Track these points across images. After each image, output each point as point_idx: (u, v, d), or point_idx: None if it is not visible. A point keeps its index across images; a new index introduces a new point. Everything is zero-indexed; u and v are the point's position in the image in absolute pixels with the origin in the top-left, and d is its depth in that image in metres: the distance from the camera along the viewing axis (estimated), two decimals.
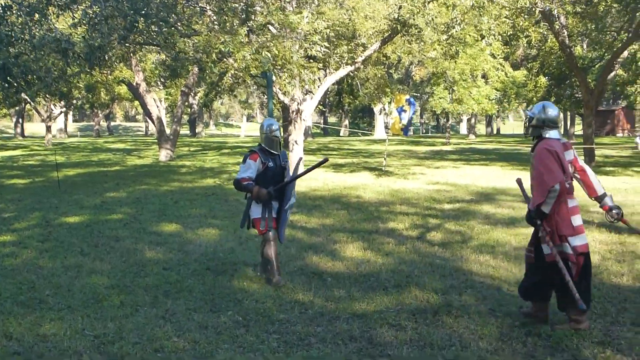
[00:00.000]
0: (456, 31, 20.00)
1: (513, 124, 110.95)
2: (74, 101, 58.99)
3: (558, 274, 6.34)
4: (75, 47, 17.68)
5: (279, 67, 18.65)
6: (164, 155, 30.60)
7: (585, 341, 6.06)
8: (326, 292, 7.76)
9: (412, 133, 66.25)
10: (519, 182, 7.28)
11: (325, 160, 8.58)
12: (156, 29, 19.43)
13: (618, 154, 30.17)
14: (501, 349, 5.92)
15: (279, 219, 8.35)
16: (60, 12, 18.32)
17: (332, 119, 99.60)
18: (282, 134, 8.56)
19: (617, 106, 64.81)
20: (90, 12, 17.89)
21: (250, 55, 17.64)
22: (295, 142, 21.55)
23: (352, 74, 27.28)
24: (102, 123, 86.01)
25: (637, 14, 25.35)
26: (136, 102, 62.92)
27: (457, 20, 19.39)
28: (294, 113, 21.53)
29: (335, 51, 21.01)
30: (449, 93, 45.54)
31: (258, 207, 8.20)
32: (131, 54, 25.06)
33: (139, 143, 50.87)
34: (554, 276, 6.42)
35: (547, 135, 6.57)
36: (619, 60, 27.93)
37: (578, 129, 58.99)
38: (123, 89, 55.13)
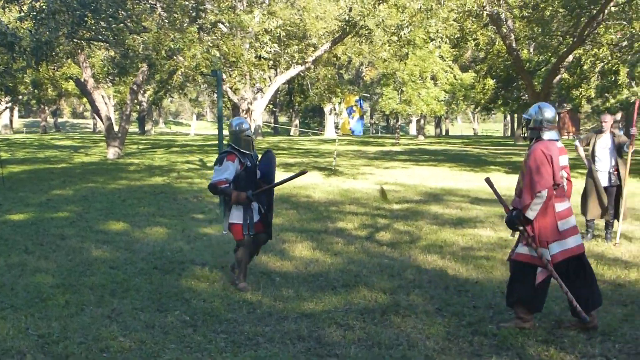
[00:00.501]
0: (405, 33, 20.15)
1: (462, 126, 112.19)
2: (20, 97, 57.92)
3: (526, 275, 6.43)
4: (21, 42, 17.39)
5: (229, 66, 18.57)
6: (112, 153, 30.22)
7: (530, 340, 6.15)
8: (274, 291, 7.75)
9: (360, 134, 66.56)
10: (487, 181, 7.24)
11: (304, 172, 8.29)
12: (105, 25, 19.20)
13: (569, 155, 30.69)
14: (448, 348, 5.99)
15: (265, 220, 8.14)
16: (6, 5, 18.01)
17: (282, 119, 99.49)
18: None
19: (563, 109, 65.91)
20: (37, 6, 17.61)
21: (200, 53, 17.53)
22: None
23: (302, 74, 27.33)
24: (49, 119, 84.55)
25: (582, 19, 25.86)
26: (84, 99, 62.15)
27: (406, 23, 19.53)
28: (244, 112, 21.46)
29: (286, 51, 21.01)
30: (399, 94, 45.84)
31: (239, 212, 7.87)
32: (79, 50, 24.69)
33: (87, 140, 50.14)
34: (519, 276, 6.52)
35: (545, 137, 6.56)
36: (564, 64, 28.45)
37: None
38: (70, 85, 54.31)
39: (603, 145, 11.23)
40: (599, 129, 11.55)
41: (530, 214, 6.32)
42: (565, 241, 6.44)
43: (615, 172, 11.14)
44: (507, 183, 20.76)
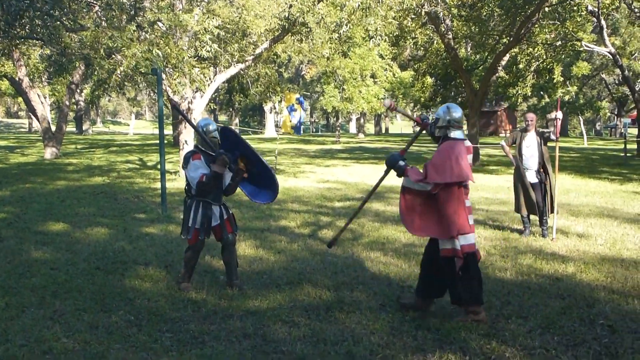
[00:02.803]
0: (344, 31, 20.24)
1: (401, 124, 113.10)
2: None
3: (451, 268, 6.59)
4: None
5: (171, 67, 18.40)
6: (49, 153, 29.72)
7: (472, 334, 6.28)
8: (219, 290, 7.75)
9: (302, 132, 66.70)
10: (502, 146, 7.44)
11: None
12: (40, 23, 18.85)
13: (501, 154, 31.25)
14: (392, 343, 6.07)
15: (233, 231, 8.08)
16: None
17: (222, 117, 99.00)
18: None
19: (500, 107, 67.04)
20: None
21: (140, 52, 17.33)
22: (186, 141, 21.31)
23: (242, 72, 27.18)
24: None
25: (518, 18, 26.33)
26: (19, 98, 60.86)
27: (345, 21, 19.61)
28: (185, 111, 21.31)
29: (226, 49, 20.91)
30: (339, 92, 46.03)
31: (199, 216, 7.74)
32: (13, 48, 24.20)
33: (23, 140, 49.16)
34: (446, 271, 6.66)
35: (452, 135, 6.80)
36: (501, 62, 28.94)
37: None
38: (4, 84, 53.18)
39: (528, 143, 11.47)
40: (524, 128, 11.79)
41: (406, 181, 6.72)
42: (472, 235, 6.71)
43: (542, 170, 11.39)
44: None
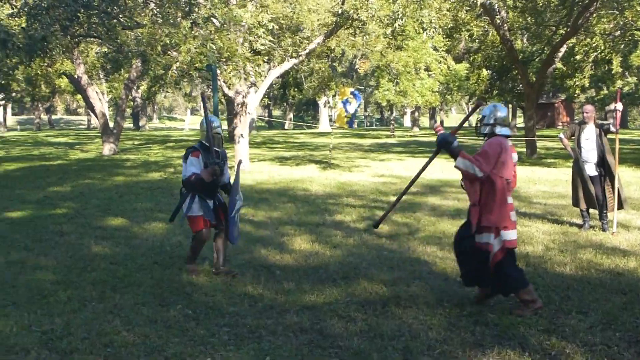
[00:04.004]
0: (399, 25, 20.13)
1: (456, 117, 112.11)
2: (13, 94, 57.76)
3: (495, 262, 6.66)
4: (14, 38, 17.35)
5: (224, 60, 18.54)
6: (107, 149, 30.17)
7: (532, 329, 6.19)
8: (275, 284, 7.78)
9: (356, 125, 66.57)
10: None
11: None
12: (98, 21, 19.15)
13: (558, 146, 30.74)
14: (450, 339, 6.02)
15: (225, 221, 8.37)
16: None
17: (276, 112, 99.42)
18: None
19: (557, 99, 65.95)
20: (31, 2, 17.56)
21: (195, 48, 17.50)
22: (241, 135, 21.47)
23: (296, 67, 27.25)
24: (43, 116, 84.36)
25: (575, 8, 25.85)
26: (78, 96, 61.95)
27: (399, 14, 19.50)
28: (239, 106, 21.45)
29: (280, 44, 20.98)
30: (394, 85, 45.79)
31: (196, 204, 8.14)
32: (73, 46, 24.64)
33: (82, 137, 50.03)
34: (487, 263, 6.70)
35: (498, 132, 6.91)
36: (558, 54, 28.46)
37: (519, 121, 59.96)
38: (64, 82, 54.17)
39: (587, 135, 11.26)
40: (582, 120, 11.57)
41: (459, 162, 6.70)
42: (514, 231, 6.74)
43: (602, 163, 11.16)
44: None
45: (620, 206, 11.10)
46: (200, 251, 8.46)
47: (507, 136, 6.90)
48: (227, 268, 8.31)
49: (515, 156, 6.96)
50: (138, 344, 5.92)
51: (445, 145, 6.87)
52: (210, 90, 28.30)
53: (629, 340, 5.95)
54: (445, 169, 22.22)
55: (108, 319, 6.56)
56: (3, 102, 56.59)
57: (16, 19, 18.93)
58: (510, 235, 6.66)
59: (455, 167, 6.76)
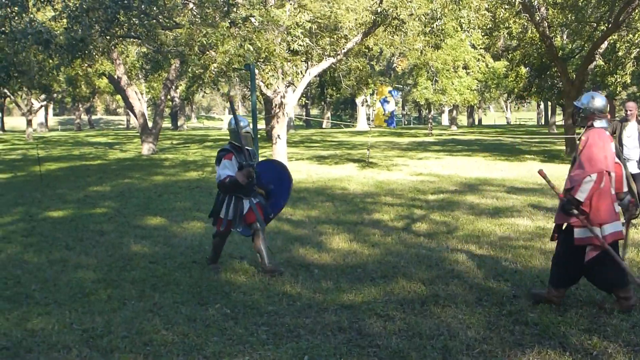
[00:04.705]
0: (438, 24, 20.05)
1: (494, 115, 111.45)
2: (55, 94, 58.58)
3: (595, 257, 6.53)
4: (56, 40, 17.61)
5: (262, 60, 18.61)
6: (146, 148, 30.47)
7: (572, 329, 6.12)
8: (313, 283, 7.78)
9: (395, 125, 66.37)
10: (541, 173, 7.30)
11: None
12: (137, 22, 19.35)
13: None
14: (489, 338, 5.97)
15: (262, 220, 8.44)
16: (40, 5, 18.23)
17: (314, 111, 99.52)
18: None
19: None
20: (71, 4, 17.79)
21: (233, 48, 17.59)
22: (278, 136, 21.53)
23: (334, 66, 27.24)
24: (83, 116, 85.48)
25: (616, 4, 25.49)
26: (117, 96, 62.67)
27: (437, 13, 19.40)
28: (277, 106, 21.50)
29: (318, 43, 20.99)
30: (432, 83, 45.59)
31: (231, 208, 8.23)
32: (113, 47, 24.92)
33: (121, 136, 50.61)
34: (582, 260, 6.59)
35: (596, 125, 6.72)
36: (598, 50, 28.06)
37: (559, 119, 59.33)
38: (104, 82, 54.83)
39: (629, 133, 11.13)
40: (624, 117, 11.42)
41: (580, 195, 6.40)
42: (617, 223, 6.58)
43: None
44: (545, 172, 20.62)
45: None
46: (222, 249, 8.67)
47: (604, 128, 6.72)
48: (271, 266, 8.27)
49: (613, 146, 6.73)
50: (177, 342, 5.96)
51: (567, 208, 6.57)
52: (248, 90, 28.43)
53: None
54: (483, 167, 22.07)
55: (147, 318, 6.62)
56: (45, 102, 57.34)
57: (58, 21, 19.22)
58: (615, 226, 6.54)
59: (581, 201, 6.46)
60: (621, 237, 6.68)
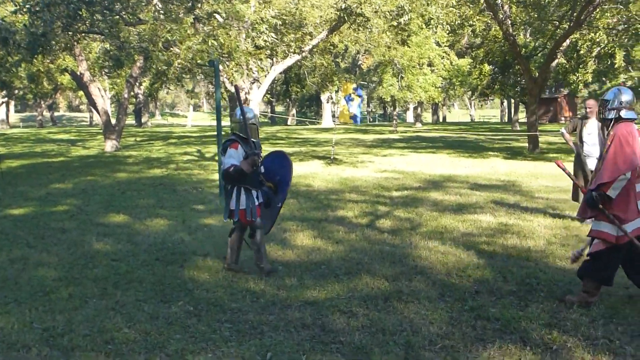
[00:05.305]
0: (405, 20, 20.13)
1: (459, 112, 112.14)
2: (16, 91, 57.82)
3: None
4: (15, 36, 17.37)
5: (226, 56, 18.52)
6: (109, 145, 30.20)
7: (533, 324, 6.18)
8: (277, 280, 7.77)
9: (360, 122, 66.48)
10: (560, 165, 7.37)
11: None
12: (100, 17, 19.14)
13: (561, 141, 30.71)
14: (451, 333, 6.01)
15: (267, 212, 8.35)
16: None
17: (279, 108, 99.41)
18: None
19: (560, 94, 65.85)
20: None
21: (196, 45, 17.49)
22: None
23: (299, 63, 27.24)
24: (45, 113, 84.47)
25: (578, 3, 25.79)
26: (80, 92, 61.98)
27: (405, 10, 19.48)
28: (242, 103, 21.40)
29: (283, 40, 20.96)
30: (398, 80, 45.73)
31: (242, 198, 8.02)
32: (75, 43, 24.62)
33: (84, 133, 50.08)
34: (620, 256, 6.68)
35: (625, 116, 6.75)
36: (561, 48, 28.38)
37: (522, 116, 59.89)
38: (66, 79, 54.24)
39: (589, 130, 11.29)
40: (584, 115, 11.58)
41: (612, 192, 6.49)
42: (638, 220, 6.61)
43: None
44: (506, 168, 20.82)
45: None
46: (240, 248, 8.34)
47: (632, 119, 6.75)
48: (268, 266, 8.20)
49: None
50: (139, 340, 5.91)
51: (593, 205, 6.63)
52: (213, 86, 28.29)
53: (631, 334, 5.93)
54: (447, 164, 22.21)
55: (109, 316, 6.56)
56: (5, 99, 56.60)
57: (19, 16, 18.94)
58: (636, 223, 6.57)
59: (612, 198, 6.53)
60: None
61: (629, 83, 47.91)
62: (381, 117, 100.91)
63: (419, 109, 65.54)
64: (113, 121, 31.94)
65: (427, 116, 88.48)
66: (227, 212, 8.16)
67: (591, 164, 11.14)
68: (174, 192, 15.71)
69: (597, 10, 26.63)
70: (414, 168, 21.12)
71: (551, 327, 6.12)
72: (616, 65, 34.76)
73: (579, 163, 11.26)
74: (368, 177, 18.52)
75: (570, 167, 11.68)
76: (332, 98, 61.82)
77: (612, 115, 6.80)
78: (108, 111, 32.56)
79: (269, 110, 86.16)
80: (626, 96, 6.76)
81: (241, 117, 8.04)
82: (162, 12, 19.79)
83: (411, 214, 12.37)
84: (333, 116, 65.62)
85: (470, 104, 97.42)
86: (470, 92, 55.14)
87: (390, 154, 27.41)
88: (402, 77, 44.95)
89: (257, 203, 8.14)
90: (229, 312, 6.67)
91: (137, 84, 50.25)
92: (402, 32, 22.37)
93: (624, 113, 6.73)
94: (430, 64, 45.33)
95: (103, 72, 37.35)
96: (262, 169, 8.20)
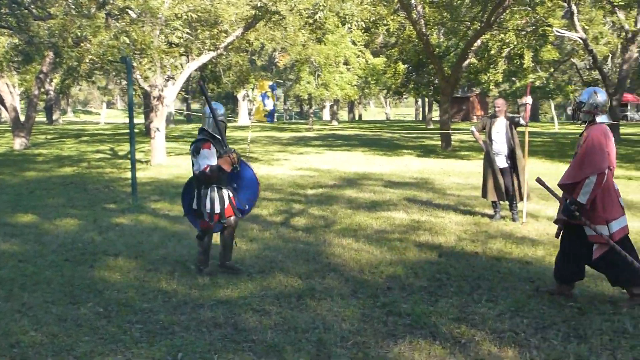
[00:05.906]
0: (320, 17, 20.20)
1: (374, 110, 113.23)
2: None
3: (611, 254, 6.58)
4: None
5: (139, 53, 18.25)
6: (18, 143, 29.40)
7: (442, 318, 6.29)
8: (190, 280, 7.70)
9: (275, 120, 66.41)
10: (539, 181, 7.40)
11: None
12: (8, 11, 18.62)
13: (472, 139, 31.40)
14: (363, 329, 6.06)
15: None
16: None
17: (195, 106, 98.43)
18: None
19: (472, 93, 67.27)
20: None
21: (107, 40, 17.17)
22: (157, 129, 21.18)
23: (214, 61, 27.04)
24: None
25: (489, 4, 26.39)
26: None
27: (320, 7, 19.55)
28: (155, 99, 21.15)
29: (197, 36, 20.77)
30: (315, 78, 45.93)
31: (215, 202, 7.77)
32: None
33: None
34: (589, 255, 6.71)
35: (598, 120, 6.78)
36: (472, 49, 28.99)
37: (435, 115, 60.91)
38: None
39: (498, 129, 11.54)
40: (493, 114, 11.85)
41: (582, 198, 6.53)
42: (623, 218, 6.70)
43: (512, 155, 11.46)
44: (419, 166, 21.14)
45: (520, 197, 11.41)
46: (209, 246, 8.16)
47: (605, 123, 6.76)
48: (231, 263, 8.17)
49: (612, 141, 6.77)
50: (46, 343, 5.77)
51: (571, 211, 6.62)
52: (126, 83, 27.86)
53: (535, 327, 6.10)
54: (362, 162, 22.41)
55: (15, 319, 6.38)
56: None
57: None
58: (620, 223, 6.62)
59: (583, 204, 6.55)
60: (628, 231, 6.73)
61: (537, 83, 49.26)
62: (298, 115, 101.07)
63: (335, 107, 65.93)
64: (22, 118, 31.10)
65: (344, 114, 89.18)
66: (207, 216, 7.81)
67: (500, 161, 11.40)
68: (85, 191, 15.40)
69: (507, 12, 27.35)
70: (329, 166, 21.25)
71: (460, 321, 6.24)
72: (525, 66, 35.71)
73: (489, 161, 11.50)
74: (283, 175, 18.54)
75: (481, 164, 11.97)
76: (248, 96, 61.55)
77: (586, 118, 6.84)
78: (17, 108, 31.68)
79: (185, 107, 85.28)
80: (601, 98, 6.79)
81: (210, 114, 7.80)
82: (73, 6, 19.36)
83: (326, 211, 12.43)
84: (249, 114, 65.36)
85: (386, 103, 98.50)
86: (385, 91, 55.76)
87: (306, 152, 27.51)
88: (319, 75, 45.16)
89: (227, 203, 7.94)
90: (140, 312, 6.57)
91: (48, 80, 49.00)
92: (318, 30, 22.43)
93: (598, 118, 6.78)
94: (346, 63, 45.68)
95: (12, 68, 36.28)
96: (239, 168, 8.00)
